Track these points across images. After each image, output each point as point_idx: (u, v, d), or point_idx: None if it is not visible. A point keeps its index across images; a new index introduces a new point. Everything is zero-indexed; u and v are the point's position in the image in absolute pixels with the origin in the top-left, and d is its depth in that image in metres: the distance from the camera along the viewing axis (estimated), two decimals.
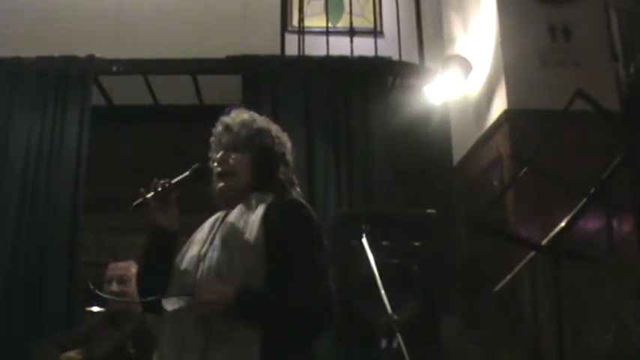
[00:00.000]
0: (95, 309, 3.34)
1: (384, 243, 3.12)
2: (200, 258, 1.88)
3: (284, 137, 2.10)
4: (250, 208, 1.92)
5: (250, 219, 1.88)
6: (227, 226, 1.90)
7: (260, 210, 1.90)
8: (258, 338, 1.73)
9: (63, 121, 4.07)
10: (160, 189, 1.92)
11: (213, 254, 1.85)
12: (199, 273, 1.85)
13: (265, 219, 1.87)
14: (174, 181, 1.95)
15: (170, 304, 1.85)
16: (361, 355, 3.16)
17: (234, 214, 1.92)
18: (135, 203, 1.92)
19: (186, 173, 1.97)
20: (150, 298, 1.89)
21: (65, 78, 4.16)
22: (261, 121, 2.08)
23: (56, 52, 4.23)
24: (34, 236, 3.84)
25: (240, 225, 1.87)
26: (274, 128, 2.09)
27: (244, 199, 1.96)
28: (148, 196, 1.92)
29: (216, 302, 1.75)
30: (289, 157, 2.08)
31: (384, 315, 2.42)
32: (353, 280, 2.98)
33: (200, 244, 1.93)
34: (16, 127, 4.06)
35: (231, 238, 1.86)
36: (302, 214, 1.93)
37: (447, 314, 3.43)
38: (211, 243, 1.90)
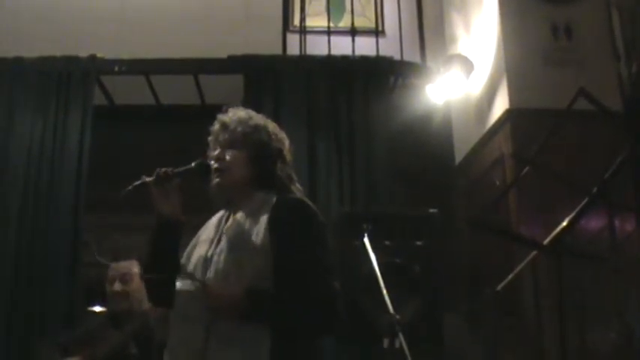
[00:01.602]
0: (97, 308, 3.34)
1: (386, 242, 3.12)
2: (207, 259, 1.89)
3: (281, 134, 2.09)
4: (256, 210, 1.92)
5: (257, 221, 1.88)
6: (234, 229, 1.91)
7: (266, 212, 1.90)
8: (266, 339, 1.74)
9: (65, 121, 4.07)
10: (161, 174, 1.93)
11: (221, 256, 1.86)
12: (207, 274, 1.85)
13: (271, 221, 1.87)
14: (177, 170, 1.96)
15: (180, 285, 1.87)
16: (363, 354, 3.16)
17: (240, 216, 1.93)
18: (134, 184, 1.93)
19: (191, 165, 1.98)
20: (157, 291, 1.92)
21: (67, 78, 4.16)
22: (258, 118, 2.08)
23: (58, 52, 4.23)
24: (36, 236, 3.84)
25: (247, 227, 1.88)
26: (271, 125, 2.08)
27: (247, 199, 1.96)
28: (148, 179, 1.93)
29: (225, 297, 1.76)
30: (287, 154, 2.07)
31: (386, 315, 2.42)
32: (355, 279, 2.97)
33: (207, 245, 1.93)
34: (17, 126, 4.06)
35: (239, 240, 1.86)
36: (307, 213, 1.92)
37: (449, 314, 3.42)
38: (218, 244, 1.91)
